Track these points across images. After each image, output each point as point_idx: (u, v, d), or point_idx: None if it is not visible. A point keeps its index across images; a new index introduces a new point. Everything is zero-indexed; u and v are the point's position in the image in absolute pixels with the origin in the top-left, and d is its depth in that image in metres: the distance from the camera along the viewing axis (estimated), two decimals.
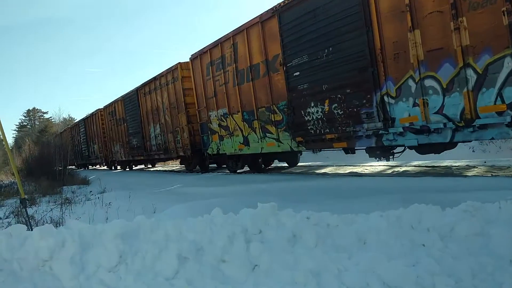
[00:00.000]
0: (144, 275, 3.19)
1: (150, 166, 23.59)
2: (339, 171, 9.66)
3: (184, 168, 16.44)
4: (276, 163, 13.50)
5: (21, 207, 5.76)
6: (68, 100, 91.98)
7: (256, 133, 10.01)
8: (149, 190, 9.88)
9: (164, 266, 3.20)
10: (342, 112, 7.55)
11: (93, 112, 25.39)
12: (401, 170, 8.51)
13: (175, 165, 22.33)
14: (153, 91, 15.89)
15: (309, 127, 8.33)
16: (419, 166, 8.64)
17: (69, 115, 57.10)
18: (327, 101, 7.85)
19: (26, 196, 5.91)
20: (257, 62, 9.63)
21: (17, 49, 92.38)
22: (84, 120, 27.64)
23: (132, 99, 18.31)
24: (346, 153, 8.76)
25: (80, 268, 3.33)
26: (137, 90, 17.56)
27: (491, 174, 6.59)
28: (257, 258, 3.15)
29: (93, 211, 6.48)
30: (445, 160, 8.89)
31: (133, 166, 23.64)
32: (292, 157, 12.18)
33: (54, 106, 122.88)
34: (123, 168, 23.61)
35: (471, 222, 2.98)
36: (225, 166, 13.25)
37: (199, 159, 13.89)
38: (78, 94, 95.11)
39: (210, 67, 11.58)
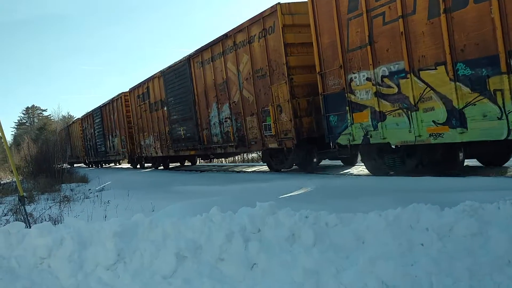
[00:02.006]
0: (142, 273, 3.19)
1: (203, 161, 18.01)
2: (337, 171, 9.66)
3: (268, 167, 11.35)
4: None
5: (20, 204, 5.76)
6: (67, 98, 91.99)
7: (492, 103, 5.45)
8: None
9: (162, 264, 3.20)
10: None
11: (114, 97, 20.30)
12: None
13: (239, 162, 16.95)
14: (219, 57, 11.14)
15: None
16: None
17: (68, 113, 56.94)
18: None
19: (24, 194, 5.90)
20: None
21: (16, 46, 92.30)
22: (101, 108, 22.29)
23: (179, 73, 13.28)
24: None
25: (78, 266, 3.33)
26: (189, 58, 12.69)
27: (490, 174, 6.59)
28: (255, 257, 3.15)
29: (92, 209, 6.48)
30: None
31: (174, 163, 18.69)
32: None
33: (53, 104, 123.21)
34: (155, 166, 18.35)
35: (469, 222, 2.98)
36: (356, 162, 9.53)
37: (305, 153, 9.34)
38: (77, 92, 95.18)
39: None
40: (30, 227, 3.99)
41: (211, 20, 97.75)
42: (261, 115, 9.79)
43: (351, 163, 9.95)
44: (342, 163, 10.28)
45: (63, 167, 15.72)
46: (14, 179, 8.66)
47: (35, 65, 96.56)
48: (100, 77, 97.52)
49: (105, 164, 28.07)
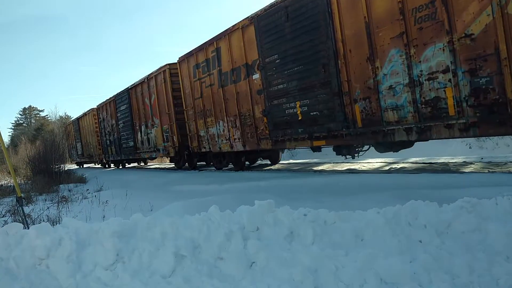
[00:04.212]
0: (141, 273, 3.18)
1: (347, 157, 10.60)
2: (336, 168, 9.67)
3: None
4: None
5: (18, 205, 5.74)
6: (64, 98, 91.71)
7: None
8: None
9: (161, 264, 3.19)
10: None
11: (151, 73, 14.74)
12: (398, 166, 8.52)
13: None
14: None
15: None
16: (416, 163, 8.65)
17: (65, 113, 56.86)
18: None
19: (22, 195, 5.89)
20: None
21: (13, 47, 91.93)
22: (129, 90, 16.93)
23: (299, 12, 7.92)
24: None
25: (77, 267, 3.32)
26: None
27: (488, 171, 6.61)
28: (254, 256, 3.14)
29: (90, 209, 6.47)
30: (442, 157, 8.91)
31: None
32: None
33: (50, 104, 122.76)
34: (220, 165, 12.57)
35: (468, 218, 2.99)
36: None
37: None
38: (75, 92, 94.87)
39: None
40: (28, 228, 3.98)
41: (209, 18, 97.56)
42: None
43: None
44: None
45: (62, 169, 15.13)
46: (12, 180, 8.63)
47: (32, 65, 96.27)
48: (97, 78, 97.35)
49: (128, 164, 22.21)
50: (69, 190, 10.43)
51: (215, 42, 10.69)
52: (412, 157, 9.40)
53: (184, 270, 3.15)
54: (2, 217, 6.59)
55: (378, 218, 3.19)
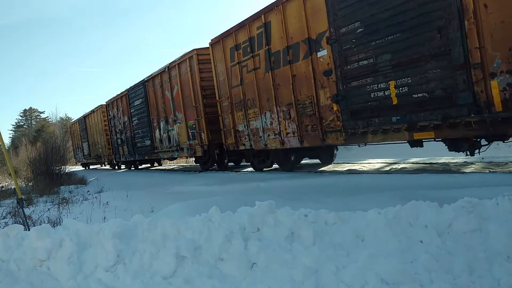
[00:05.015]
0: (142, 274, 3.18)
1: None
2: (337, 169, 9.67)
3: None
4: None
5: (18, 207, 5.74)
6: (65, 100, 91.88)
7: None
8: None
9: (161, 265, 3.19)
10: None
11: (174, 61, 12.97)
12: (399, 167, 8.52)
13: None
14: None
15: None
16: (416, 163, 8.65)
17: (65, 115, 56.93)
18: None
19: (23, 196, 5.89)
20: None
21: (13, 48, 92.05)
22: (145, 83, 15.23)
23: None
24: None
25: (78, 268, 3.32)
26: None
27: (489, 171, 6.61)
28: (255, 256, 3.14)
29: (91, 211, 6.47)
30: (443, 157, 8.91)
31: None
32: None
33: (51, 106, 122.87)
34: (288, 167, 9.97)
35: (468, 218, 2.98)
36: None
37: None
38: (75, 94, 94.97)
39: None
40: (29, 230, 3.98)
41: (205, 19, 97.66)
42: None
43: None
44: None
45: (62, 170, 15.02)
46: (13, 182, 8.64)
47: (32, 67, 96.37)
48: (97, 79, 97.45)
49: (140, 164, 20.15)
50: (70, 192, 10.43)
51: (262, 16, 8.87)
52: (412, 158, 9.40)
53: (185, 271, 3.15)
54: (3, 218, 6.59)
55: (379, 219, 3.19)
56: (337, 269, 2.88)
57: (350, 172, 8.79)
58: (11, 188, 11.91)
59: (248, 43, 9.47)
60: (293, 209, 3.52)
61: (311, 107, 8.04)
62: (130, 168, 20.69)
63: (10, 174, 13.74)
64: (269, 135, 9.39)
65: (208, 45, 11.19)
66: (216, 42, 10.70)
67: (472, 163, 7.65)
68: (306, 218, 3.34)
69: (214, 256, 3.20)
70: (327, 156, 10.46)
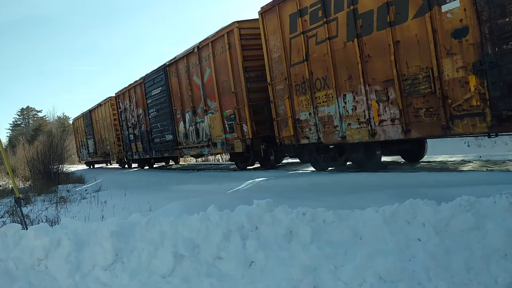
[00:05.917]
0: (140, 273, 3.18)
1: None
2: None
3: None
4: None
5: (16, 206, 5.73)
6: (62, 98, 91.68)
7: None
8: None
9: (160, 264, 3.19)
10: None
11: (203, 42, 11.08)
12: (397, 165, 8.52)
13: None
14: None
15: None
16: (414, 162, 8.65)
17: (63, 113, 56.81)
18: None
19: (20, 195, 5.88)
20: None
21: (10, 47, 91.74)
22: (166, 68, 13.27)
23: None
24: None
25: (76, 267, 3.32)
26: None
27: (486, 169, 6.62)
28: (253, 255, 3.14)
29: (89, 210, 6.46)
30: (440, 155, 8.92)
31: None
32: None
33: (48, 105, 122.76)
34: (373, 166, 7.79)
35: (466, 216, 2.99)
36: None
37: None
38: (72, 92, 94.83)
39: None
40: (26, 229, 3.98)
41: (203, 17, 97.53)
42: None
43: None
44: None
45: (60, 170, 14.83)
46: (10, 181, 8.62)
47: (30, 66, 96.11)
48: (95, 78, 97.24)
49: (154, 163, 17.74)
50: (68, 191, 10.41)
51: None
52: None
53: (183, 270, 3.15)
54: (1, 217, 6.58)
55: (377, 217, 3.19)
56: (335, 267, 2.89)
57: (348, 170, 8.78)
58: (8, 187, 11.88)
59: (319, 5, 7.48)
60: (291, 207, 3.52)
61: (427, 83, 6.01)
62: (143, 167, 18.49)
63: (7, 173, 13.70)
64: (349, 123, 7.39)
65: (251, 18, 9.18)
66: (269, 9, 8.59)
67: (469, 162, 7.66)
68: (304, 216, 3.34)
69: (212, 255, 3.20)
70: (418, 150, 8.31)
